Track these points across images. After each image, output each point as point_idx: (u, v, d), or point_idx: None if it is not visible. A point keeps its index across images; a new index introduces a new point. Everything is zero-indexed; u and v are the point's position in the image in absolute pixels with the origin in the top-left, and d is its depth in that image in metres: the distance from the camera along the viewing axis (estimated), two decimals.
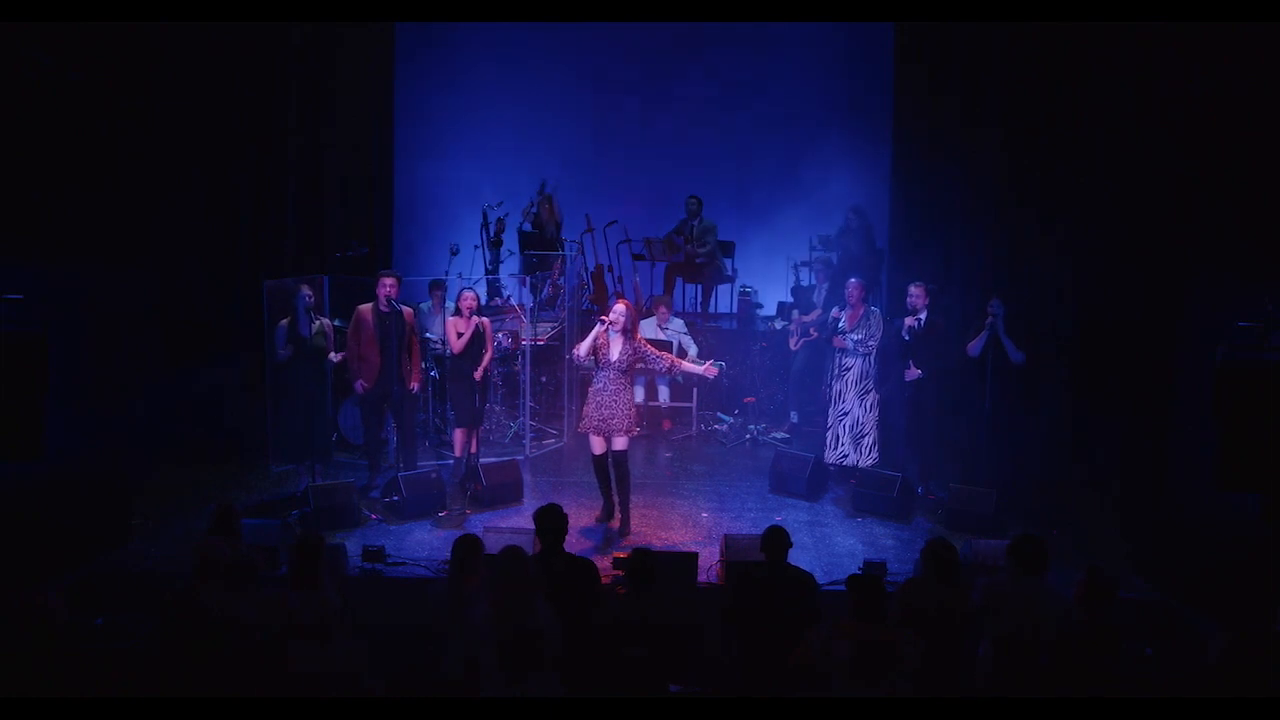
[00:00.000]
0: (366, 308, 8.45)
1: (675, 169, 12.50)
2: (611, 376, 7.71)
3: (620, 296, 8.06)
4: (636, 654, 5.05)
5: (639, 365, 7.91)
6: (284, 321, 8.26)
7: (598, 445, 7.83)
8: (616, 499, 7.96)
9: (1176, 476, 7.40)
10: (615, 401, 7.69)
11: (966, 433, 8.81)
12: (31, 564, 6.36)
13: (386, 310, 8.44)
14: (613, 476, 7.91)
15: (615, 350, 7.70)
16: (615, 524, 7.96)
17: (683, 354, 10.59)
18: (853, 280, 8.94)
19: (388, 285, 8.44)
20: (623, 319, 7.70)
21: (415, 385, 8.68)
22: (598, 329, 7.73)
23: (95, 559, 7.20)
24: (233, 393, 9.32)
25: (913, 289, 8.60)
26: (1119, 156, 8.62)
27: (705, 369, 8.02)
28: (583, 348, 7.76)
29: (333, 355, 8.51)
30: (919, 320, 8.52)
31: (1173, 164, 8.25)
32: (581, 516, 7.99)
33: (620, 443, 7.79)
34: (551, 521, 5.66)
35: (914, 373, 8.54)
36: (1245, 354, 5.93)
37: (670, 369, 8.05)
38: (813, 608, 5.55)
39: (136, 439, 8.47)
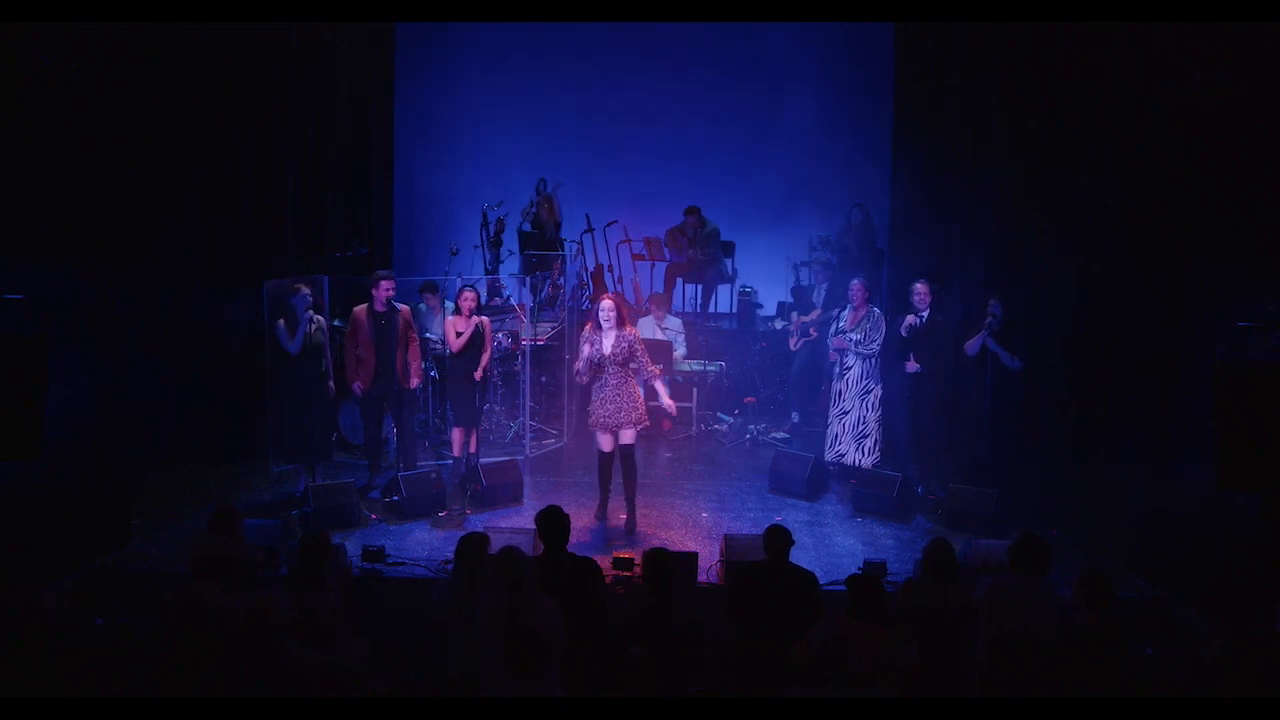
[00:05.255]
0: (361, 309, 8.46)
1: (675, 169, 12.49)
2: (612, 371, 7.73)
3: (606, 293, 8.02)
4: (637, 653, 5.05)
5: (632, 364, 7.86)
6: (281, 321, 8.26)
7: (606, 443, 7.85)
8: (624, 496, 7.97)
9: (1177, 476, 7.41)
10: (620, 395, 7.73)
11: (966, 433, 8.81)
12: (31, 564, 6.36)
13: (383, 310, 8.44)
14: (620, 472, 7.93)
15: (608, 344, 7.69)
16: (613, 523, 7.99)
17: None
18: (856, 281, 8.93)
19: (387, 286, 8.44)
20: (613, 315, 7.71)
21: (415, 382, 8.67)
22: (589, 346, 7.69)
23: (95, 559, 7.19)
24: (233, 393, 9.33)
25: (919, 286, 8.57)
26: (1119, 156, 8.64)
27: (669, 404, 8.16)
28: (581, 362, 7.75)
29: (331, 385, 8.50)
30: (920, 318, 8.52)
31: (1173, 164, 8.26)
32: (581, 516, 8.00)
33: (628, 436, 7.82)
34: (554, 523, 5.66)
35: (913, 365, 8.54)
36: (1245, 354, 5.94)
37: (649, 379, 7.99)
38: (813, 607, 5.55)
39: (136, 439, 8.48)
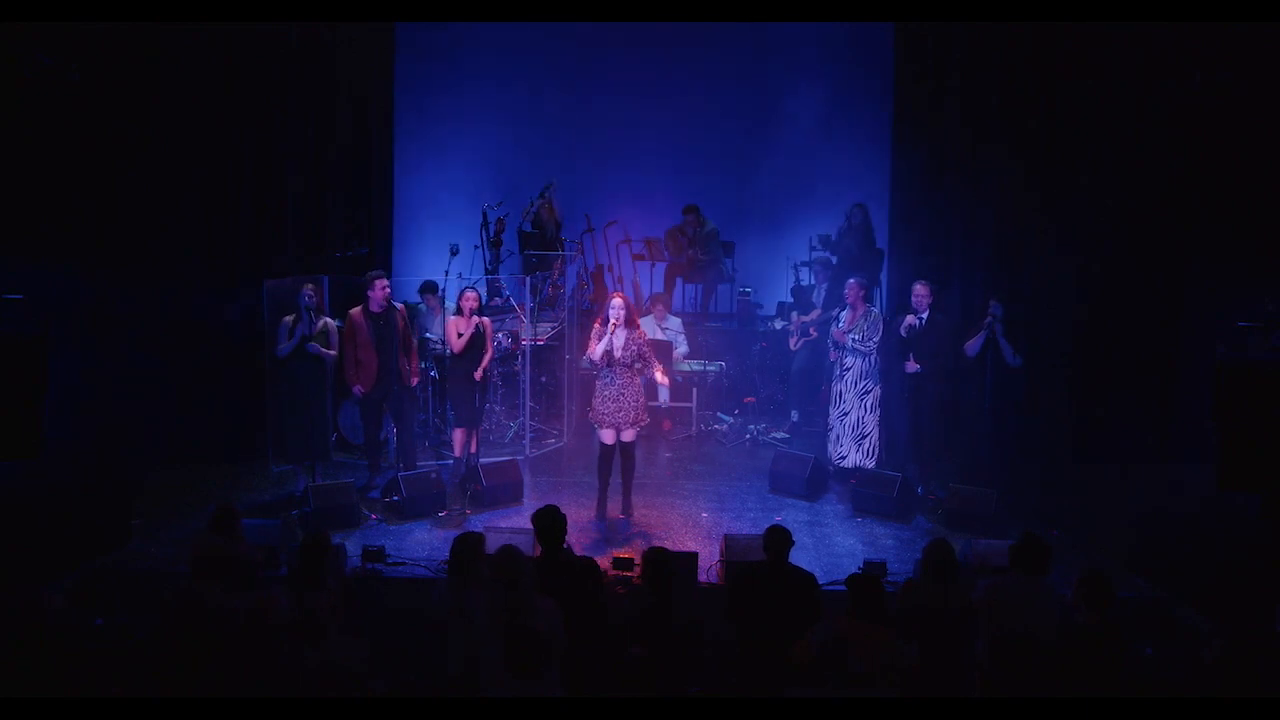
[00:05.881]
0: (358, 311, 8.44)
1: (675, 169, 12.48)
2: (619, 371, 7.82)
3: (617, 292, 8.15)
4: (637, 653, 5.05)
5: (638, 364, 7.90)
6: (287, 319, 8.26)
7: (609, 436, 7.97)
8: (620, 482, 8.08)
9: (1177, 476, 7.41)
10: (624, 394, 7.84)
11: (966, 433, 8.81)
12: (31, 564, 6.36)
13: (380, 310, 8.43)
14: (619, 469, 8.06)
15: (619, 343, 7.78)
16: (612, 520, 8.02)
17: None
18: (851, 281, 8.93)
19: (383, 286, 8.43)
20: (624, 313, 7.79)
21: (414, 381, 8.68)
22: (610, 334, 7.74)
23: (95, 559, 7.19)
24: (233, 393, 9.33)
25: (918, 287, 8.58)
26: (1119, 156, 8.64)
27: (661, 379, 8.14)
28: (597, 351, 7.79)
29: (328, 352, 8.34)
30: (920, 319, 8.51)
31: (1173, 164, 8.27)
32: (581, 516, 8.01)
33: (629, 435, 7.97)
34: (550, 522, 5.66)
35: (912, 365, 8.55)
36: (1245, 354, 5.94)
37: (651, 371, 8.05)
38: (813, 607, 5.55)
39: (136, 439, 8.49)
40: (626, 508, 8.13)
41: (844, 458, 8.92)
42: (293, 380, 8.34)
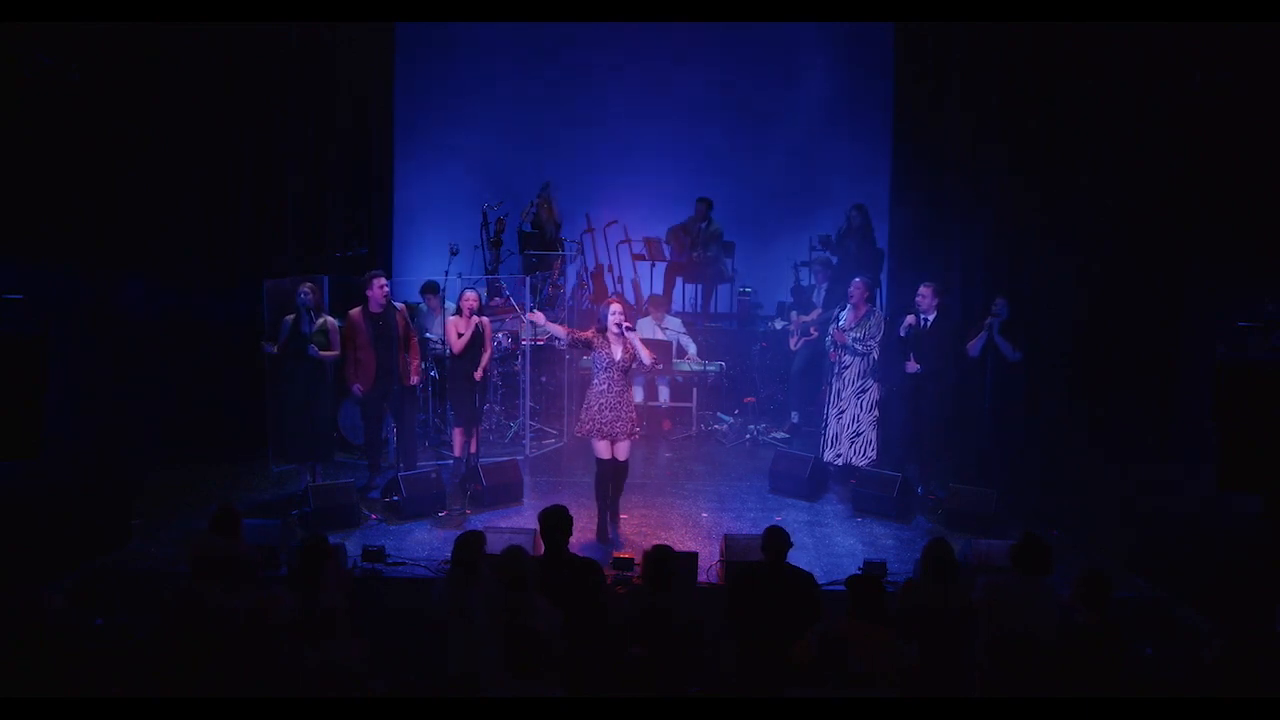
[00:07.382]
0: (357, 311, 8.44)
1: (675, 169, 12.47)
2: (615, 378, 7.51)
3: (614, 298, 8.06)
4: (637, 653, 5.05)
5: (635, 364, 7.67)
6: (289, 317, 8.27)
7: (604, 450, 7.58)
8: (610, 500, 7.77)
9: (1177, 476, 7.41)
10: (619, 403, 7.52)
11: (966, 433, 8.81)
12: (31, 564, 6.36)
13: (379, 310, 8.43)
14: (613, 486, 7.74)
15: (618, 350, 7.55)
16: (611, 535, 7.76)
17: (682, 353, 10.65)
18: (857, 280, 8.93)
19: (381, 285, 8.43)
20: (623, 320, 7.54)
21: (415, 379, 8.67)
22: (595, 335, 7.58)
23: (95, 559, 7.19)
24: (233, 393, 9.33)
25: (922, 289, 8.58)
26: (1119, 156, 8.64)
27: (650, 360, 7.76)
28: (554, 327, 7.81)
29: (327, 354, 8.28)
30: (923, 320, 8.52)
31: (1173, 164, 8.27)
32: (581, 517, 7.90)
33: (624, 449, 7.63)
34: (556, 522, 5.65)
35: (913, 365, 8.55)
36: (1245, 354, 5.94)
37: (652, 368, 7.93)
38: (813, 607, 5.55)
39: (136, 439, 8.49)
40: (611, 524, 7.74)
41: (839, 455, 8.92)
42: (293, 380, 8.34)
